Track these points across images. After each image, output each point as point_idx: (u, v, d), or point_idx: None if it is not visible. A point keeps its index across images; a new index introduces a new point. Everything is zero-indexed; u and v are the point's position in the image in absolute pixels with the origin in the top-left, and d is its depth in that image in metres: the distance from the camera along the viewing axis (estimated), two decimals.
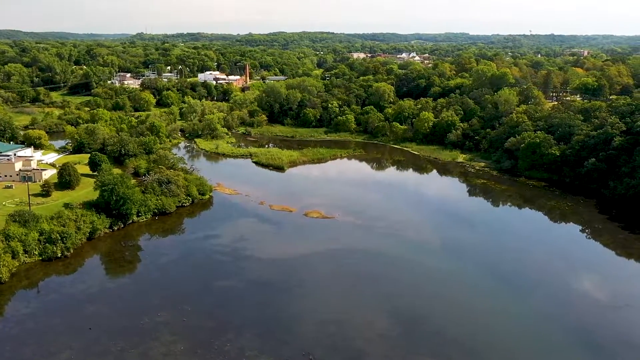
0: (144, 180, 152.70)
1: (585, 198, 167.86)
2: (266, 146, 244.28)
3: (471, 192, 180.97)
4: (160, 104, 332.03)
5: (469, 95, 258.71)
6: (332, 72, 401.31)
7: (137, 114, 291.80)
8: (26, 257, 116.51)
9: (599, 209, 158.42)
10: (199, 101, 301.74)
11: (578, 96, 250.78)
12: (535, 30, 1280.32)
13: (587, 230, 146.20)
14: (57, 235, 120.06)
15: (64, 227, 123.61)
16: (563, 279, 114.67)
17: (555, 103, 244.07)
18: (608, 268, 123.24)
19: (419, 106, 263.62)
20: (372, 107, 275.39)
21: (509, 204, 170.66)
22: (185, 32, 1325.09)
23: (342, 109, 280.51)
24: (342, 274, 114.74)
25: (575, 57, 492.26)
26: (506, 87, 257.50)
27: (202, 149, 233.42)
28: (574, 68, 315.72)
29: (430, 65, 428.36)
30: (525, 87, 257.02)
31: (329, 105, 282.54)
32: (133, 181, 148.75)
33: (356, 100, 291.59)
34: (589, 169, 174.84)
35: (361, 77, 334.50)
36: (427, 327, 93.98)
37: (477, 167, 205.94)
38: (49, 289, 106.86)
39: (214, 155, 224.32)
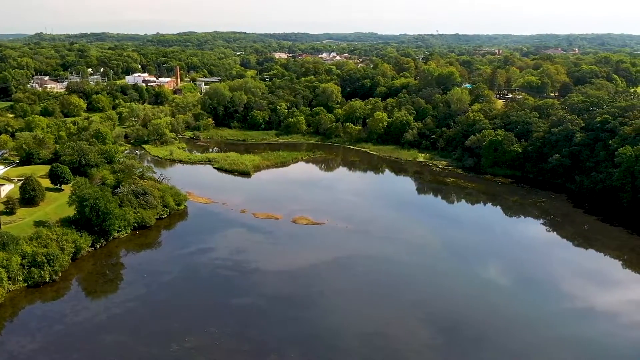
0: (119, 192, 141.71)
1: (554, 193, 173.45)
2: (211, 150, 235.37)
3: (447, 191, 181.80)
4: (90, 108, 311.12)
5: (418, 94, 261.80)
6: (270, 73, 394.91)
7: (68, 119, 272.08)
8: (9, 284, 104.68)
9: (572, 203, 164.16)
10: (140, 105, 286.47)
11: (524, 94, 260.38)
12: (441, 30, 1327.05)
13: (579, 225, 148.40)
14: (43, 257, 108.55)
15: (47, 248, 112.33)
16: (570, 277, 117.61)
17: (503, 101, 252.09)
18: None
19: (370, 106, 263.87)
20: (322, 108, 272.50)
21: (486, 202, 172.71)
22: (89, 32, 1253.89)
23: (290, 110, 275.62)
24: (359, 283, 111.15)
25: (495, 55, 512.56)
26: (454, 86, 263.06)
27: (154, 156, 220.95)
28: (513, 67, 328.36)
29: (360, 65, 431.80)
30: (475, 86, 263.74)
31: (277, 107, 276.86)
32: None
33: (303, 101, 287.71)
34: (554, 165, 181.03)
35: (303, 78, 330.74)
36: (468, 333, 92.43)
37: (440, 166, 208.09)
38: (49, 319, 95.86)
39: (169, 162, 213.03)
